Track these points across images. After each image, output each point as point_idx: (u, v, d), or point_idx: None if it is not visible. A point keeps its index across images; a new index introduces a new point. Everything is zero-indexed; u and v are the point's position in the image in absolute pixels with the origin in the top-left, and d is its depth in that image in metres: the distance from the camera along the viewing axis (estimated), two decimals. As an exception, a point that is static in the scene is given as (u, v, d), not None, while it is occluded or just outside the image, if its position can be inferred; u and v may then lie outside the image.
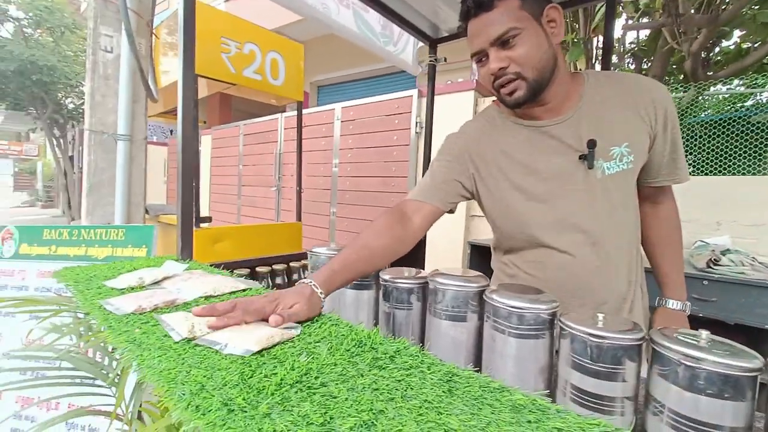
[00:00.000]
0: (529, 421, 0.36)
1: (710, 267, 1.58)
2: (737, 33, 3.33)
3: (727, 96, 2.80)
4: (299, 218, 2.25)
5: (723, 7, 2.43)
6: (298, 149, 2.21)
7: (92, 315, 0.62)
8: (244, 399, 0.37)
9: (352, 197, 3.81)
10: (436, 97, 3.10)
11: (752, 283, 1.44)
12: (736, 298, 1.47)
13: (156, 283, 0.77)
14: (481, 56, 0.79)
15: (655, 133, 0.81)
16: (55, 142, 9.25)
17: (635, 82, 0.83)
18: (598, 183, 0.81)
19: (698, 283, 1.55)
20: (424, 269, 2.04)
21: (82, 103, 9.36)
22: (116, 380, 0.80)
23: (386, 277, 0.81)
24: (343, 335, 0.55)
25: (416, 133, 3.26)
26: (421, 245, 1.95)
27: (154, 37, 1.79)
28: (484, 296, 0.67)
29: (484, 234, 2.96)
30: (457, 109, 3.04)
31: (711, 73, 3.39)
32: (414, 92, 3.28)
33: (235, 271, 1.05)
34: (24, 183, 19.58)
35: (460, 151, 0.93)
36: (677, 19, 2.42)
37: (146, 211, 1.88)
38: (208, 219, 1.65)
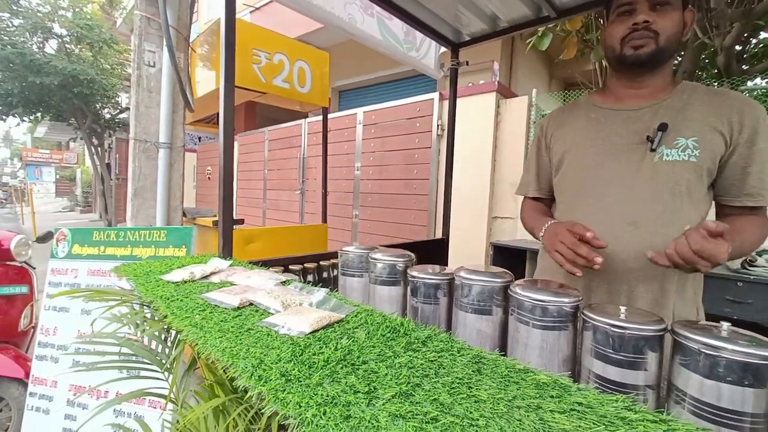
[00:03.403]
0: (552, 396, 0.40)
1: (745, 268, 1.53)
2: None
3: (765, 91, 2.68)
4: (324, 220, 2.33)
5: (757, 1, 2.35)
6: (323, 153, 2.29)
7: (155, 305, 0.69)
8: (299, 371, 0.43)
9: (374, 200, 3.88)
10: (458, 99, 3.13)
11: (790, 284, 1.39)
12: (773, 300, 1.43)
13: (205, 277, 0.84)
14: (629, 7, 0.86)
15: (735, 144, 0.83)
16: (93, 151, 9.83)
17: (728, 94, 0.87)
18: (651, 167, 0.86)
19: (732, 285, 1.51)
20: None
21: (119, 113, 9.91)
22: (169, 366, 0.88)
23: (414, 273, 0.86)
24: (378, 323, 0.60)
25: (437, 135, 3.30)
26: (444, 246, 1.98)
27: (191, 51, 1.91)
28: (509, 290, 0.71)
29: (508, 235, 2.95)
30: (478, 111, 3.06)
31: (746, 67, 3.25)
32: (435, 95, 3.32)
33: (270, 268, 1.13)
34: (64, 189, 20.86)
35: (539, 134, 1.12)
36: (708, 14, 2.36)
37: (184, 214, 2.01)
38: (241, 221, 1.75)
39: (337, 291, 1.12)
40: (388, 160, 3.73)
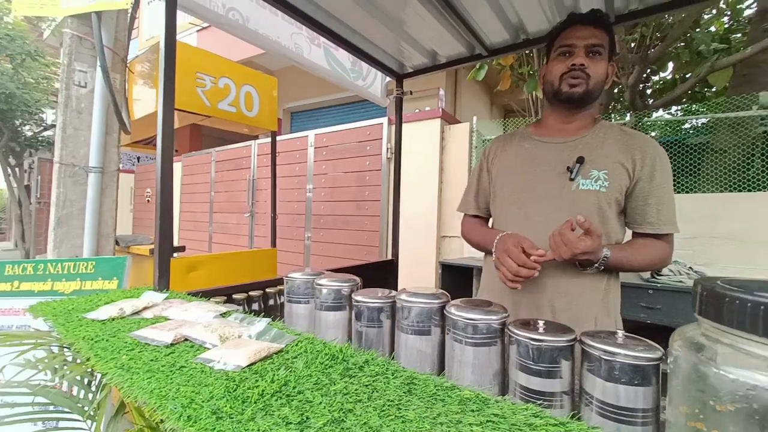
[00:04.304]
0: (473, 410, 0.44)
1: (654, 277, 1.74)
2: (671, 66, 3.76)
3: (669, 121, 3.13)
4: (274, 244, 2.28)
5: (651, 48, 2.78)
6: (272, 176, 2.27)
7: (76, 347, 0.65)
8: (231, 407, 0.43)
9: (327, 221, 3.86)
10: (405, 124, 3.26)
11: (689, 291, 1.60)
12: (677, 305, 1.63)
13: (137, 312, 0.80)
14: (569, 50, 0.99)
15: (638, 178, 0.97)
16: (9, 171, 8.77)
17: (635, 136, 1.02)
18: (570, 194, 0.99)
19: (645, 293, 1.70)
20: (396, 290, 2.10)
21: (42, 131, 8.98)
22: (92, 413, 0.81)
23: (358, 298, 0.88)
24: (318, 351, 0.61)
25: (387, 158, 3.40)
26: (393, 267, 2.02)
27: (128, 71, 1.84)
28: (444, 311, 0.76)
29: (456, 253, 3.08)
30: (424, 136, 3.22)
31: (651, 101, 3.78)
32: (384, 120, 3.44)
33: (212, 299, 1.09)
34: (-29, 214, 18.20)
35: (482, 158, 1.25)
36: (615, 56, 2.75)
37: (116, 243, 1.86)
38: (182, 248, 1.66)
39: (282, 319, 1.10)
40: (339, 182, 3.77)
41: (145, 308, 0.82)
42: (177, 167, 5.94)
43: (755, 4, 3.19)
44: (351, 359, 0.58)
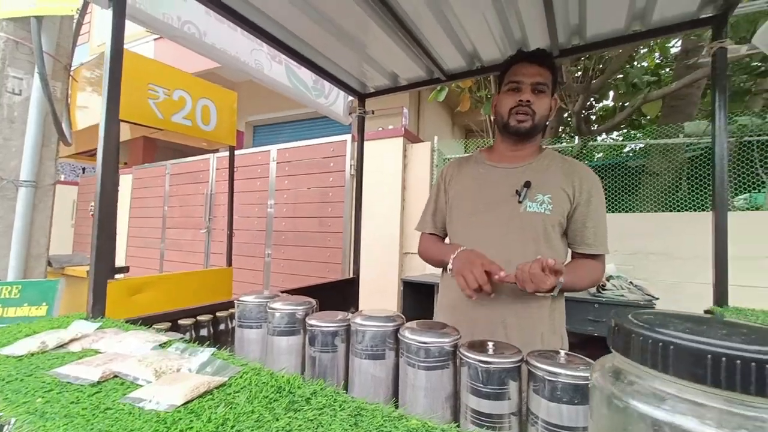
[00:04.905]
0: (418, 441, 0.43)
1: (599, 292, 1.85)
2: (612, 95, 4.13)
3: (611, 145, 3.41)
4: (230, 263, 2.19)
5: (594, 79, 3.04)
6: (229, 193, 2.19)
7: (-18, 388, 0.57)
8: (157, 455, 0.39)
9: (288, 238, 3.77)
10: (369, 142, 3.30)
11: (629, 304, 1.72)
12: (620, 318, 1.74)
13: (62, 345, 0.72)
14: (517, 86, 1.07)
15: (577, 203, 1.06)
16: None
17: (575, 164, 1.11)
18: (519, 216, 1.05)
19: (591, 307, 1.80)
20: (357, 308, 2.08)
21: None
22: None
23: (312, 322, 0.85)
24: (263, 383, 0.58)
25: (351, 175, 3.41)
26: (354, 285, 2.00)
27: (72, 79, 1.72)
28: (398, 334, 0.75)
29: (418, 270, 3.11)
30: (387, 154, 3.27)
31: (595, 127, 4.10)
32: (348, 137, 3.46)
33: (154, 326, 1.01)
34: None
35: (439, 179, 1.30)
36: (560, 86, 2.98)
37: (49, 264, 1.70)
38: (125, 269, 1.55)
39: (232, 346, 1.05)
40: (302, 198, 3.71)
41: (73, 340, 0.75)
42: (126, 180, 5.58)
43: (680, 44, 3.60)
44: (298, 391, 0.56)
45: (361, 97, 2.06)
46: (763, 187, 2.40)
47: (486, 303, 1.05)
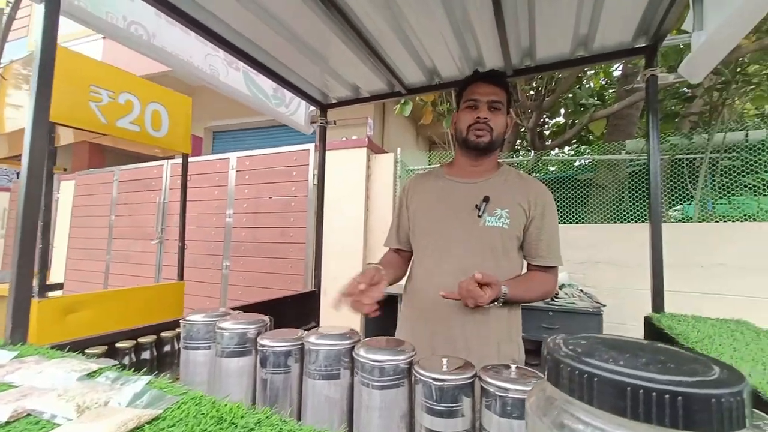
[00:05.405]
0: (364, 471, 0.42)
1: (552, 300, 1.94)
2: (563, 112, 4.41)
3: (563, 159, 3.62)
4: (181, 277, 2.06)
5: (546, 97, 3.24)
6: (182, 203, 2.07)
7: None
8: None
9: (248, 249, 3.63)
10: (332, 152, 3.28)
11: (579, 311, 1.81)
12: (572, 324, 1.83)
13: (-34, 380, 0.63)
14: (474, 103, 1.12)
15: (532, 217, 1.10)
16: None
17: (530, 181, 1.16)
18: (478, 230, 1.08)
19: (546, 315, 1.88)
20: (318, 323, 2.02)
21: None
22: None
23: (263, 341, 0.81)
24: (202, 414, 0.54)
25: (314, 184, 3.36)
26: (315, 298, 1.95)
27: (1, 79, 1.57)
28: (353, 353, 0.73)
29: (381, 281, 3.09)
30: (351, 164, 3.26)
31: (548, 142, 4.35)
32: (311, 146, 3.42)
33: (86, 351, 0.92)
34: None
35: (401, 194, 1.31)
36: (515, 103, 3.15)
37: (-34, 281, 1.51)
38: (58, 286, 1.40)
39: (177, 369, 0.97)
40: (263, 208, 3.60)
41: (-19, 373, 0.66)
42: (68, 186, 5.15)
43: (621, 68, 3.93)
44: (241, 421, 0.52)
45: (323, 107, 2.04)
46: (693, 200, 2.65)
47: (445, 315, 1.07)
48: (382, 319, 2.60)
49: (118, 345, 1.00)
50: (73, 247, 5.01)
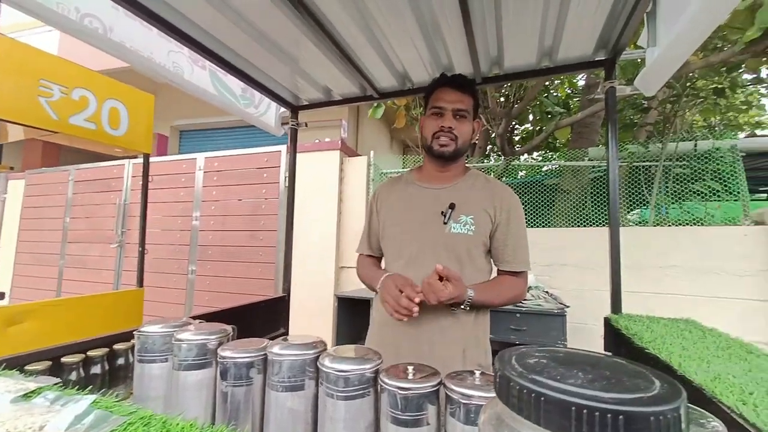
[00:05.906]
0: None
1: (520, 301, 1.99)
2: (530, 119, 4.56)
3: (531, 164, 3.74)
4: (141, 284, 1.95)
5: (515, 104, 3.34)
6: (142, 205, 1.97)
7: None
8: None
9: (215, 253, 3.50)
10: (305, 154, 3.23)
11: (545, 312, 1.87)
12: (538, 325, 1.88)
13: None
14: (440, 111, 1.12)
15: (498, 222, 1.10)
16: None
17: (496, 185, 1.16)
18: (444, 237, 1.08)
19: (513, 316, 1.92)
20: (288, 329, 1.97)
21: None
22: None
23: (224, 353, 0.78)
24: (151, 435, 0.50)
25: (286, 187, 3.29)
26: (284, 304, 1.90)
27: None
28: (318, 363, 0.71)
29: (354, 285, 3.07)
30: (324, 166, 3.22)
31: (517, 148, 4.48)
32: (284, 147, 3.35)
33: (26, 367, 0.85)
34: None
35: (372, 201, 1.31)
36: (485, 110, 3.23)
37: None
38: (0, 295, 1.30)
39: (131, 384, 0.91)
40: (232, 210, 3.48)
41: None
42: (17, 186, 4.79)
43: (585, 78, 4.12)
44: (193, 441, 0.49)
45: (294, 108, 2.01)
46: (648, 205, 2.81)
47: (411, 320, 1.06)
48: (354, 324, 2.59)
49: (64, 360, 0.93)
50: (22, 251, 4.65)
